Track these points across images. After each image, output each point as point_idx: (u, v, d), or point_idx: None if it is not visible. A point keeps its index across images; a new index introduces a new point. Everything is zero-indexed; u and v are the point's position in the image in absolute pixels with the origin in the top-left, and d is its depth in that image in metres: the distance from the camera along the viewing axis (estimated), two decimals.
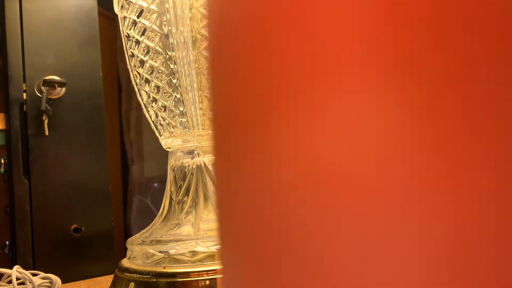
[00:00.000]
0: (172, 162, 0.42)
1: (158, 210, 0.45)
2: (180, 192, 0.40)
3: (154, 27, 0.39)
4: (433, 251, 0.07)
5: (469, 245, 0.07)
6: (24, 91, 0.74)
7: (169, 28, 0.38)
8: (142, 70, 0.41)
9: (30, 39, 0.75)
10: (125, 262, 0.40)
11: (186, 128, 0.40)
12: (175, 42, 0.38)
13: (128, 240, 0.41)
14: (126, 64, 0.44)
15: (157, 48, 0.39)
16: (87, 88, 0.81)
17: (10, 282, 0.40)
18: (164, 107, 0.41)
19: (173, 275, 0.34)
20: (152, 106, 0.42)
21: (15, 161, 0.72)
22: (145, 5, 0.39)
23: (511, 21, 0.07)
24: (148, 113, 0.43)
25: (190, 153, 0.40)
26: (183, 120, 0.40)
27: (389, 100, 0.08)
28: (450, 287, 0.07)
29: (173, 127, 0.41)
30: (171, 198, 0.41)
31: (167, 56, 0.39)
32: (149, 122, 0.44)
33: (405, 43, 0.07)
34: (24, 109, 0.74)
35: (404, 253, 0.08)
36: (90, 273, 0.73)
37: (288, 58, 0.09)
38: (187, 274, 0.34)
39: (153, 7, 0.39)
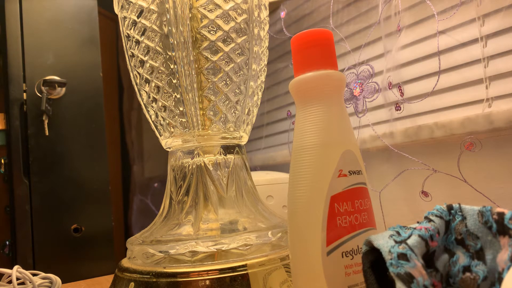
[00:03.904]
0: (172, 162, 0.42)
1: (158, 209, 0.45)
2: (180, 192, 0.40)
3: (154, 27, 0.39)
4: None
5: None
6: (24, 91, 0.74)
7: (169, 28, 0.38)
8: (142, 70, 0.41)
9: (30, 39, 0.75)
10: (125, 262, 0.40)
11: (186, 128, 0.40)
12: (175, 42, 0.38)
13: (128, 240, 0.41)
14: (127, 64, 0.44)
15: (157, 48, 0.39)
16: (87, 88, 0.81)
17: (10, 282, 0.40)
18: (164, 107, 0.40)
19: (173, 275, 0.34)
20: (152, 106, 0.42)
21: (15, 161, 0.72)
22: (145, 5, 0.39)
23: None
24: (148, 113, 0.43)
25: (190, 153, 0.40)
26: (183, 120, 0.40)
27: None
28: None
29: (173, 127, 0.41)
30: (171, 198, 0.41)
31: (167, 56, 0.39)
32: (149, 122, 0.44)
33: None
34: (24, 109, 0.74)
35: None
36: (90, 273, 0.73)
37: None
38: (187, 274, 0.34)
39: (153, 7, 0.39)
